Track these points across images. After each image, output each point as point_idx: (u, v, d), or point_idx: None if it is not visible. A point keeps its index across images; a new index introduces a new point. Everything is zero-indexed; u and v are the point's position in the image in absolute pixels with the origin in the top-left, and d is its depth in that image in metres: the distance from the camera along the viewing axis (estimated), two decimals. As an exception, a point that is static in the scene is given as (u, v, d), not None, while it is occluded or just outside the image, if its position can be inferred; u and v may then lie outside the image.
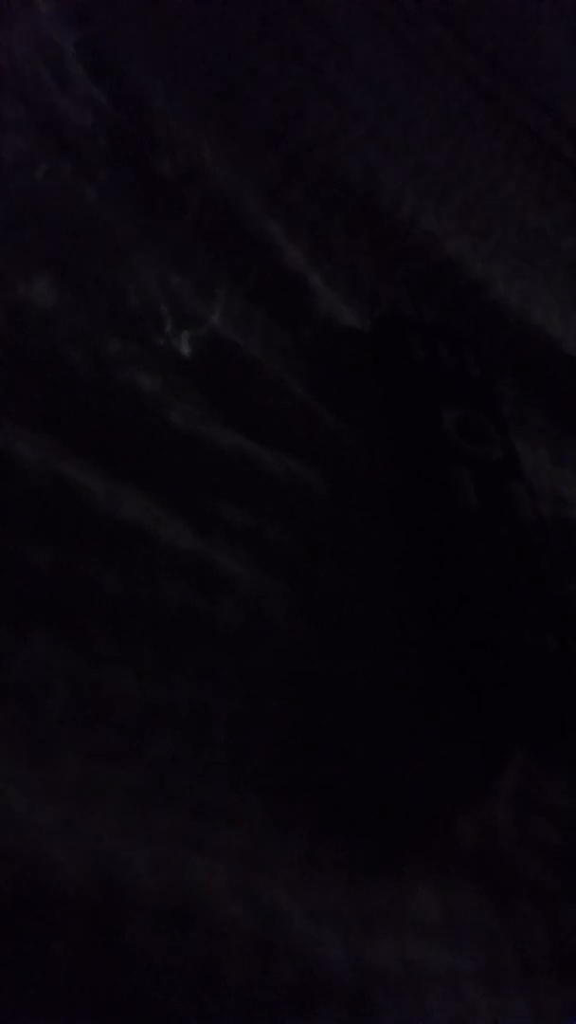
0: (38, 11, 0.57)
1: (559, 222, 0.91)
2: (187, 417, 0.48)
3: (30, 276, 0.47)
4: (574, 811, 0.45)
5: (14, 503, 0.41)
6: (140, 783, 0.36)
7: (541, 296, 0.80)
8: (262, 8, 0.76)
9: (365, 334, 0.64)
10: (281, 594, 0.46)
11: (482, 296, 0.75)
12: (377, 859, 0.39)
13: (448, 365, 0.64)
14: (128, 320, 0.50)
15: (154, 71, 0.63)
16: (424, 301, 0.71)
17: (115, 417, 0.47)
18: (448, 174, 0.86)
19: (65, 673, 0.39)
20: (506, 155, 0.96)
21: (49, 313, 0.47)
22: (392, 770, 0.42)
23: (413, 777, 0.43)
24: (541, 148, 1.04)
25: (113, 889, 0.32)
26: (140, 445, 0.47)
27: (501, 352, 0.72)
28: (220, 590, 0.44)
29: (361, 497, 0.54)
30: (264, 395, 0.54)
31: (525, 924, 0.41)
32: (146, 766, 0.37)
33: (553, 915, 0.42)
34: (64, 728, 0.37)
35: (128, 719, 0.38)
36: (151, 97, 0.61)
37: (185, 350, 0.52)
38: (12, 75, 0.54)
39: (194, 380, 0.51)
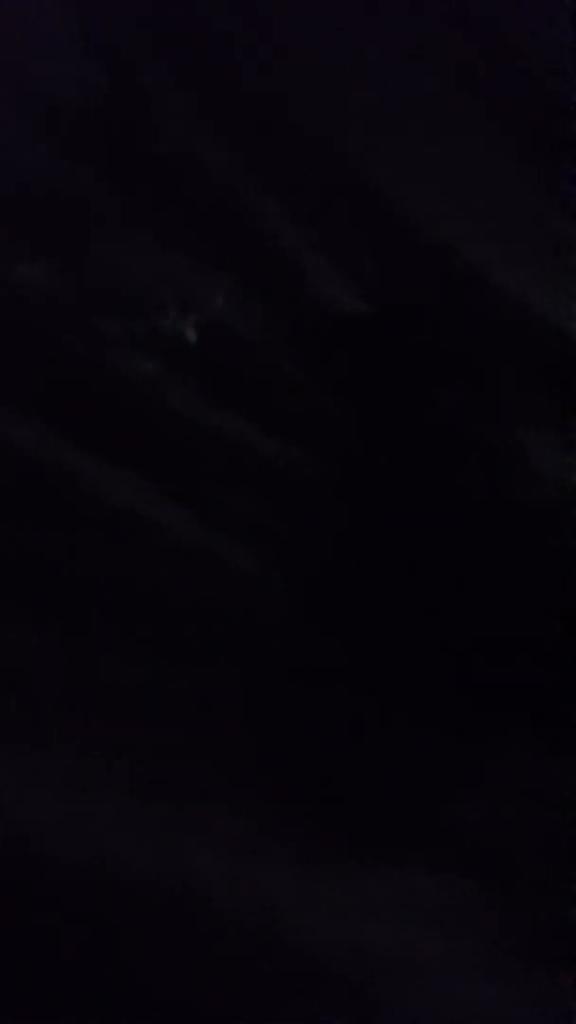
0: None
1: (559, 205, 0.90)
2: (186, 401, 0.48)
3: (26, 259, 0.47)
4: (574, 801, 0.45)
5: (12, 487, 0.40)
6: (139, 772, 0.36)
7: (542, 280, 0.79)
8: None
9: (365, 319, 0.64)
10: (280, 578, 0.46)
11: (483, 281, 0.74)
12: (376, 847, 0.39)
13: (449, 349, 0.63)
14: (126, 304, 0.50)
15: (149, 53, 0.61)
16: (425, 285, 0.70)
17: (114, 401, 0.46)
18: (448, 158, 0.85)
19: (64, 661, 0.38)
20: (506, 140, 0.95)
21: (46, 297, 0.46)
22: (391, 759, 0.42)
23: (413, 765, 0.42)
24: (542, 133, 1.03)
25: (111, 878, 0.32)
26: (139, 429, 0.46)
27: (502, 336, 0.72)
28: (219, 574, 0.44)
29: (361, 482, 0.53)
30: (264, 379, 0.53)
31: (524, 912, 0.41)
32: (145, 754, 0.37)
33: (551, 903, 0.42)
34: (62, 717, 0.37)
35: (127, 707, 0.38)
36: (147, 77, 0.60)
37: (183, 334, 0.51)
38: (4, 57, 0.52)
39: (194, 364, 0.51)
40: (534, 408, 0.70)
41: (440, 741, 0.45)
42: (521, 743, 0.49)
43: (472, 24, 1.09)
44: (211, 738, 0.37)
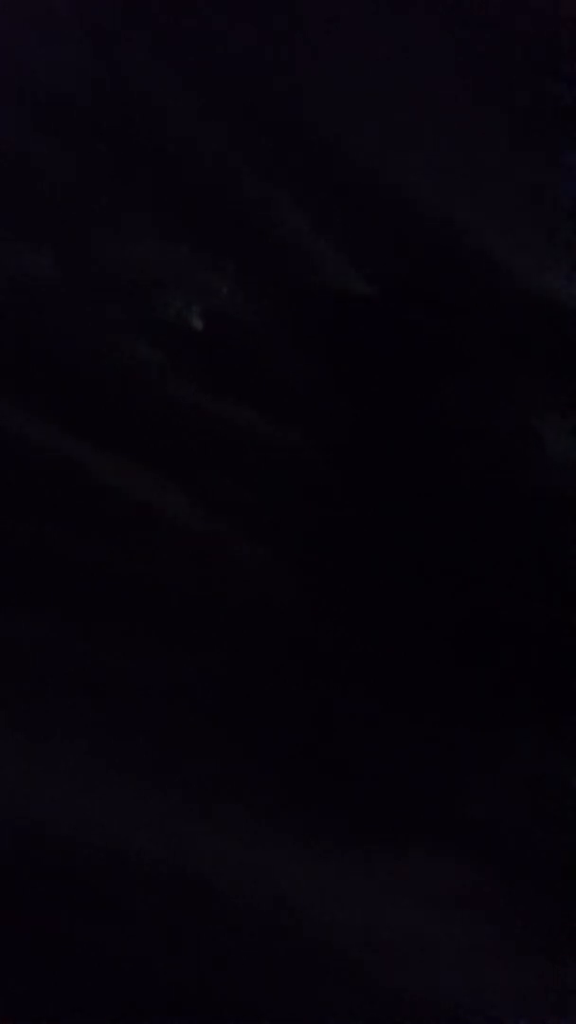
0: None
1: (568, 188, 0.89)
2: (192, 389, 0.48)
3: (29, 249, 0.47)
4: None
5: (15, 479, 0.41)
6: (146, 759, 0.36)
7: (552, 263, 0.78)
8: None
9: (373, 304, 0.63)
10: (287, 569, 0.46)
11: (492, 265, 0.74)
12: (386, 833, 0.38)
13: (458, 335, 0.62)
14: (130, 293, 0.50)
15: (149, 40, 0.61)
16: (432, 269, 0.70)
17: (117, 391, 0.46)
18: (455, 141, 0.84)
19: (70, 651, 0.38)
20: (514, 120, 0.94)
21: (48, 287, 0.47)
22: (401, 744, 0.42)
23: (422, 751, 0.42)
24: (551, 113, 1.02)
25: (119, 864, 0.32)
26: (143, 419, 0.46)
27: (511, 321, 0.71)
28: (225, 565, 0.44)
29: (369, 470, 0.53)
30: (269, 366, 0.53)
31: (535, 899, 0.41)
32: (152, 742, 0.37)
33: (563, 890, 0.42)
34: (69, 706, 0.37)
35: (133, 696, 0.38)
36: (148, 65, 0.60)
37: (188, 322, 0.51)
38: (3, 46, 0.52)
39: (198, 352, 0.51)
40: (545, 393, 0.70)
41: (448, 728, 0.44)
42: (530, 730, 0.48)
43: (473, 4, 1.07)
44: (217, 725, 0.37)
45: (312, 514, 0.49)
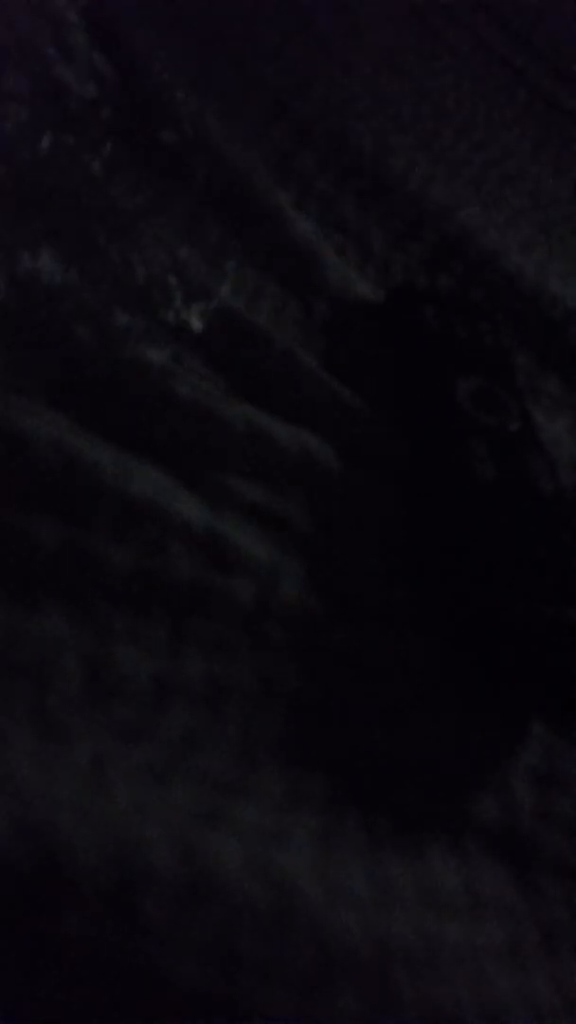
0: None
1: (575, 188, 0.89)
2: (197, 391, 0.48)
3: (35, 250, 0.47)
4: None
5: (23, 480, 0.41)
6: (155, 759, 0.36)
7: (557, 264, 0.78)
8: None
9: (378, 305, 0.63)
10: (295, 569, 0.46)
11: (497, 265, 0.74)
12: (395, 834, 0.38)
13: (462, 335, 0.62)
14: (136, 294, 0.50)
15: (159, 40, 0.61)
16: (438, 271, 0.70)
17: (124, 392, 0.46)
18: (461, 141, 0.84)
19: (77, 651, 0.38)
20: (520, 120, 0.94)
21: (55, 288, 0.46)
22: (409, 745, 0.42)
23: (431, 752, 0.42)
24: (557, 113, 1.02)
25: (129, 866, 0.32)
26: (150, 420, 0.46)
27: (517, 321, 0.71)
28: (232, 565, 0.44)
29: (375, 470, 0.53)
30: (275, 368, 0.53)
31: (546, 900, 0.40)
32: (160, 742, 0.37)
33: (575, 891, 0.41)
34: (77, 706, 0.36)
35: (142, 696, 0.38)
36: (156, 66, 0.60)
37: (194, 323, 0.51)
38: (14, 46, 0.53)
39: (204, 353, 0.51)
40: (550, 393, 0.70)
41: (462, 727, 0.44)
42: (547, 729, 0.48)
43: (488, 10, 1.08)
44: (227, 725, 0.36)
45: (321, 514, 0.49)
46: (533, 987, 0.38)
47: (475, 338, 0.63)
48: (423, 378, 0.59)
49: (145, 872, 0.32)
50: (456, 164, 0.82)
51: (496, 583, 0.49)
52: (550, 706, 0.49)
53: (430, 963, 0.36)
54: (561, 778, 0.46)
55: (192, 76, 0.61)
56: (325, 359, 0.56)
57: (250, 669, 0.41)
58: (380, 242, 0.66)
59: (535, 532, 0.53)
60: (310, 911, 0.35)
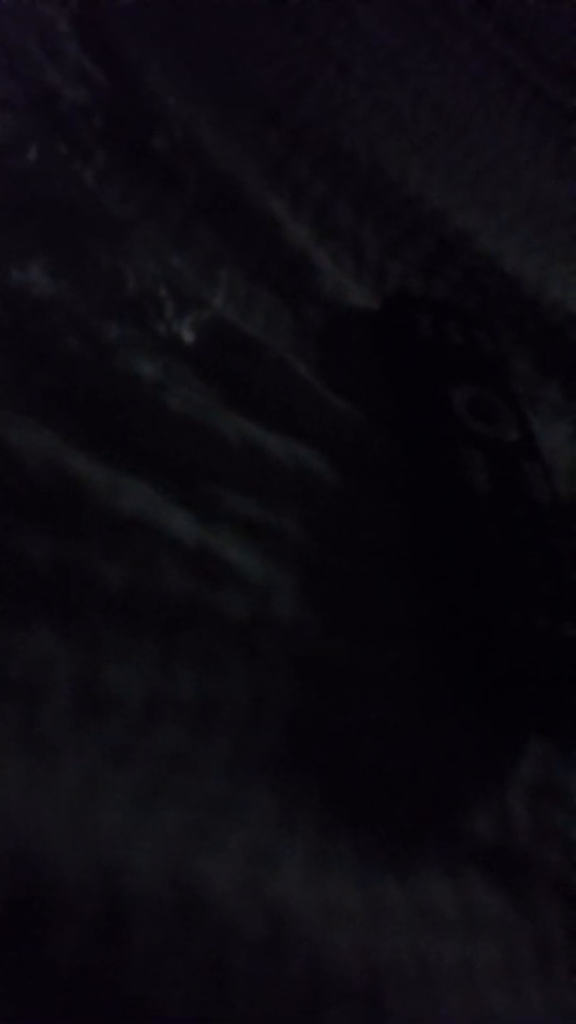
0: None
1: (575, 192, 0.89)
2: (189, 403, 0.47)
3: (25, 261, 0.46)
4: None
5: (12, 495, 0.40)
6: (145, 780, 0.36)
7: (556, 269, 0.78)
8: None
9: (373, 313, 0.63)
10: (288, 583, 0.45)
11: (494, 270, 0.73)
12: (388, 852, 0.38)
13: (459, 343, 0.62)
14: (127, 304, 0.49)
15: (151, 47, 0.61)
16: (434, 277, 0.69)
17: (115, 405, 0.46)
18: (458, 145, 0.83)
19: (68, 668, 0.38)
20: (519, 123, 0.94)
21: (45, 299, 0.46)
22: (403, 761, 0.42)
23: (425, 768, 0.42)
24: (556, 115, 1.01)
25: (117, 888, 0.32)
26: (141, 433, 0.46)
27: (515, 328, 0.70)
28: (225, 580, 0.43)
29: (370, 481, 0.53)
30: (268, 378, 0.53)
31: (542, 919, 0.40)
32: (151, 762, 0.36)
33: (571, 909, 0.41)
34: (67, 725, 0.36)
35: (133, 714, 0.38)
36: (148, 72, 0.60)
37: (186, 334, 0.51)
38: (4, 53, 0.52)
39: (196, 365, 0.50)
40: (549, 401, 0.69)
41: (457, 742, 0.44)
42: (543, 743, 0.48)
43: (490, 11, 1.07)
44: (218, 744, 0.36)
45: (315, 526, 0.48)
46: (528, 1007, 0.37)
47: (471, 346, 0.62)
48: (418, 387, 0.59)
49: (134, 896, 0.32)
50: (453, 167, 0.81)
51: (492, 596, 0.48)
52: (546, 720, 0.49)
53: (424, 984, 0.36)
54: (557, 794, 0.45)
55: (184, 82, 0.60)
56: (319, 368, 0.55)
57: (242, 685, 0.41)
58: (375, 248, 0.65)
59: (531, 544, 0.52)
60: (302, 933, 0.34)
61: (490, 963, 0.38)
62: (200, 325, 0.51)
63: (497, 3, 1.10)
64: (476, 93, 0.95)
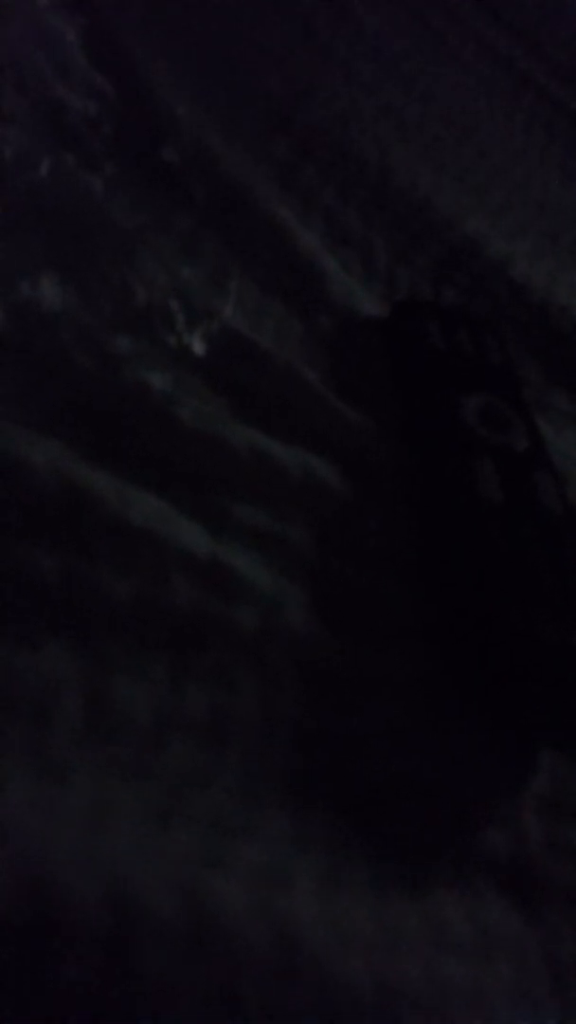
0: (37, 1, 0.55)
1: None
2: (199, 415, 0.47)
3: (35, 274, 0.46)
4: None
5: (22, 508, 0.40)
6: (156, 799, 0.35)
7: (566, 275, 0.77)
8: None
9: (382, 320, 0.62)
10: (298, 592, 0.45)
11: (504, 276, 0.73)
12: (401, 872, 0.37)
13: (469, 350, 0.61)
14: (137, 317, 0.49)
15: (158, 56, 0.61)
16: (443, 284, 0.69)
17: (125, 418, 0.45)
18: (465, 148, 0.83)
19: (77, 686, 0.38)
20: (527, 127, 0.93)
21: (55, 312, 0.46)
22: (416, 776, 0.41)
23: (437, 783, 0.41)
24: (564, 119, 1.01)
25: (128, 911, 0.31)
26: (151, 446, 0.45)
27: (524, 334, 0.70)
28: (235, 592, 0.43)
29: (380, 491, 0.52)
30: (278, 388, 0.52)
31: (557, 936, 0.39)
32: (162, 781, 0.36)
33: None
34: (77, 743, 0.36)
35: (143, 731, 0.37)
36: (156, 83, 0.60)
37: (196, 345, 0.50)
38: (12, 67, 0.52)
39: (206, 376, 0.50)
40: (559, 408, 0.69)
41: (469, 756, 0.43)
42: (554, 756, 0.47)
43: (496, 14, 1.06)
44: (229, 762, 0.36)
45: (326, 537, 0.48)
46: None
47: (481, 353, 0.62)
48: (428, 395, 0.58)
49: (144, 920, 0.32)
50: (461, 171, 0.81)
51: (501, 604, 0.48)
52: (557, 732, 0.48)
53: (438, 1006, 0.35)
54: (570, 807, 0.45)
55: (192, 92, 0.60)
56: (328, 376, 0.55)
57: (253, 699, 0.40)
58: (385, 255, 0.65)
59: (541, 552, 0.52)
60: (315, 955, 0.34)
61: (504, 983, 0.37)
62: (210, 336, 0.51)
63: (502, 5, 1.09)
64: (482, 95, 0.94)
